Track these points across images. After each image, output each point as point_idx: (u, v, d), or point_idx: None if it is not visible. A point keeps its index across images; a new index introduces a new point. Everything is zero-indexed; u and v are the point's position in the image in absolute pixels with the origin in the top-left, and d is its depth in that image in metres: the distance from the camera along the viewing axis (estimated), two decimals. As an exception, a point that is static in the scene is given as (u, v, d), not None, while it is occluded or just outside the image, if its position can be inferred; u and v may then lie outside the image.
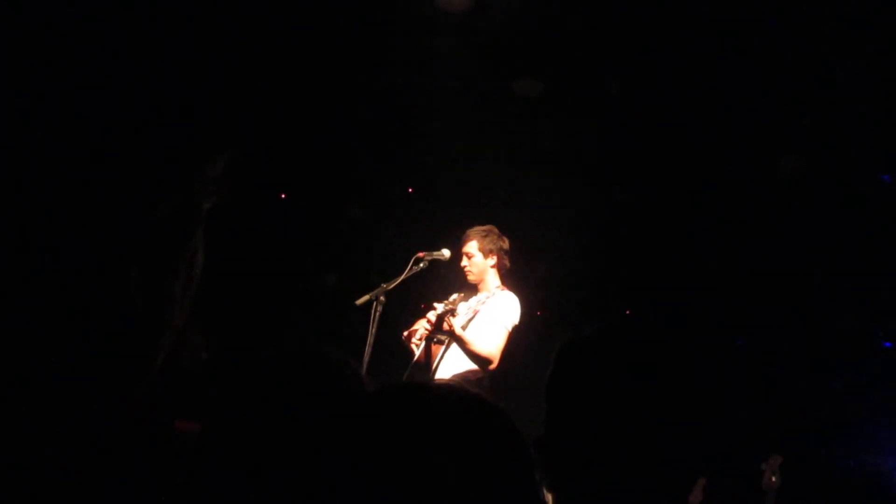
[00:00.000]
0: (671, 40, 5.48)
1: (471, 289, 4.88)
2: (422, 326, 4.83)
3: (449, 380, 4.54)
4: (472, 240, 4.80)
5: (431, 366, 4.63)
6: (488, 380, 4.60)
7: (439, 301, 4.97)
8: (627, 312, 6.77)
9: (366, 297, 4.57)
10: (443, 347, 4.65)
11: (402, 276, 4.67)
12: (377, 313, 4.51)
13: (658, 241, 6.45)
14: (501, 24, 5.48)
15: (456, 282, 4.99)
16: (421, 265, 4.75)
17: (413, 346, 4.78)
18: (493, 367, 4.55)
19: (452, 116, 6.03)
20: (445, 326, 4.43)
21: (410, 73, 5.82)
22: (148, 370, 1.18)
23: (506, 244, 4.86)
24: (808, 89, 5.51)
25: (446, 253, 4.83)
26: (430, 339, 4.65)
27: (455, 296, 4.69)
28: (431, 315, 4.59)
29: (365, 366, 4.35)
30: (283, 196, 6.47)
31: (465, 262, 4.82)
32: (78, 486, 1.30)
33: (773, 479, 4.60)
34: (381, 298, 4.54)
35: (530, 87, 6.02)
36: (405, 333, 4.83)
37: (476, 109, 6.07)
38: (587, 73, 5.89)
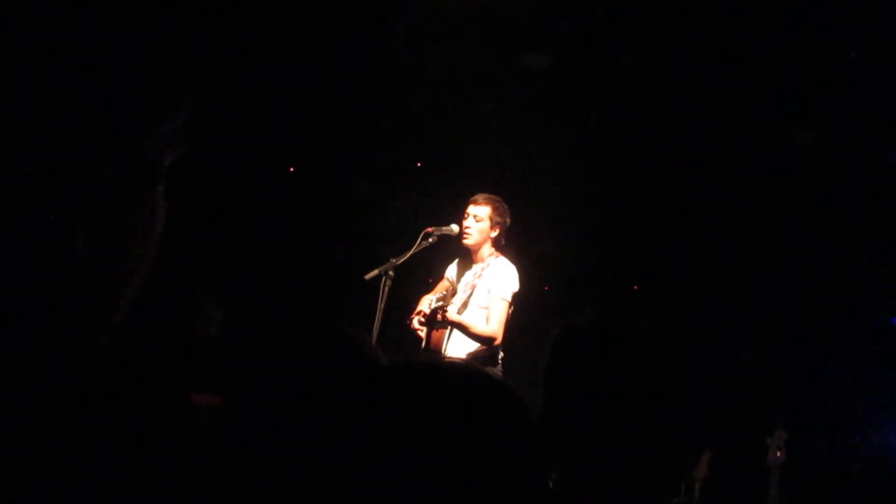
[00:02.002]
0: (682, 11, 5.44)
1: (463, 253, 4.90)
2: (418, 318, 4.82)
3: (463, 360, 4.58)
4: (487, 205, 4.74)
5: (441, 348, 4.66)
6: (498, 351, 4.65)
7: (434, 288, 5.01)
8: (635, 288, 6.78)
9: (375, 272, 4.59)
10: (447, 330, 4.67)
11: (412, 251, 4.69)
12: (386, 288, 4.53)
13: (665, 215, 6.44)
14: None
15: (456, 254, 5.02)
16: (430, 240, 4.76)
17: (418, 332, 4.81)
18: (497, 342, 4.58)
19: (461, 90, 6.02)
20: (439, 318, 4.48)
21: (419, 46, 5.79)
22: (101, 333, 1.16)
23: (509, 221, 4.85)
24: (817, 65, 5.49)
25: (455, 228, 4.83)
26: (430, 327, 4.67)
27: (445, 291, 4.68)
28: (425, 308, 4.62)
29: (374, 340, 4.39)
30: (292, 170, 6.48)
31: (469, 222, 4.74)
32: (88, 457, 1.33)
33: (779, 454, 4.63)
34: (391, 273, 4.56)
35: (539, 61, 6.00)
36: (409, 320, 4.84)
37: (485, 84, 6.05)
38: (597, 48, 5.86)
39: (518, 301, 4.74)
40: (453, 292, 4.60)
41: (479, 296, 4.65)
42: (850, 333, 6.06)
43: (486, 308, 4.60)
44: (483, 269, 4.73)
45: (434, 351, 4.64)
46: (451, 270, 5.01)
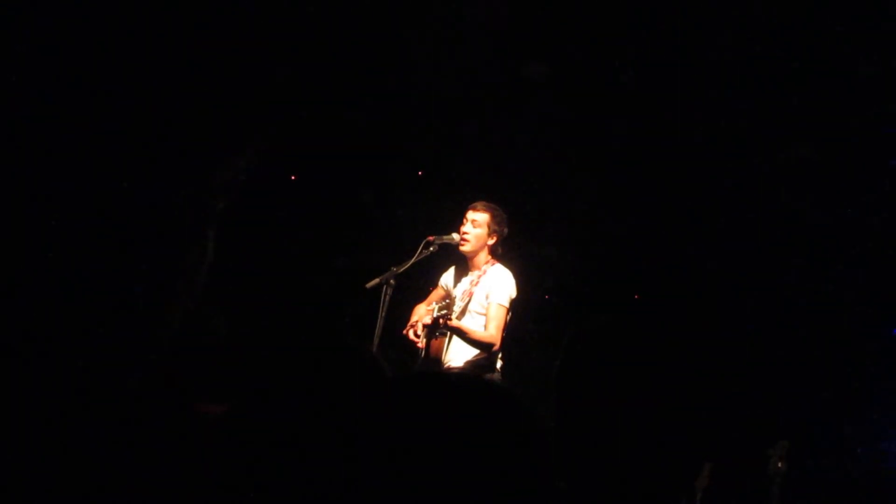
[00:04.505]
0: (679, 24, 5.46)
1: (459, 260, 4.90)
2: (419, 326, 4.82)
3: (462, 367, 4.60)
4: (485, 212, 4.76)
5: (441, 356, 4.67)
6: (496, 358, 4.66)
7: (427, 297, 5.01)
8: (636, 297, 6.78)
9: (376, 281, 4.59)
10: (446, 338, 4.69)
11: (413, 260, 4.70)
12: (387, 297, 4.54)
13: (667, 225, 6.45)
14: (510, 5, 5.47)
15: (453, 262, 5.03)
16: (431, 249, 4.77)
17: (415, 343, 4.82)
18: (496, 348, 4.61)
19: (462, 98, 6.03)
20: (442, 323, 4.51)
21: (420, 56, 5.81)
22: (148, 357, 1.19)
23: (506, 231, 4.86)
24: (816, 74, 5.50)
25: (456, 237, 4.84)
26: (430, 336, 4.69)
27: (442, 300, 4.70)
28: (427, 318, 4.64)
29: (375, 348, 4.39)
30: (293, 178, 6.48)
31: (467, 227, 4.75)
32: (99, 468, 1.33)
33: (780, 464, 4.61)
34: (392, 282, 4.57)
35: (540, 70, 6.01)
36: (405, 330, 4.84)
37: (486, 91, 6.06)
38: (598, 57, 5.87)
39: (517, 309, 4.75)
40: (450, 300, 4.62)
41: (477, 302, 4.67)
42: (852, 343, 6.05)
43: (485, 314, 4.62)
44: (479, 276, 4.75)
45: (434, 358, 4.67)
46: (447, 278, 5.02)
